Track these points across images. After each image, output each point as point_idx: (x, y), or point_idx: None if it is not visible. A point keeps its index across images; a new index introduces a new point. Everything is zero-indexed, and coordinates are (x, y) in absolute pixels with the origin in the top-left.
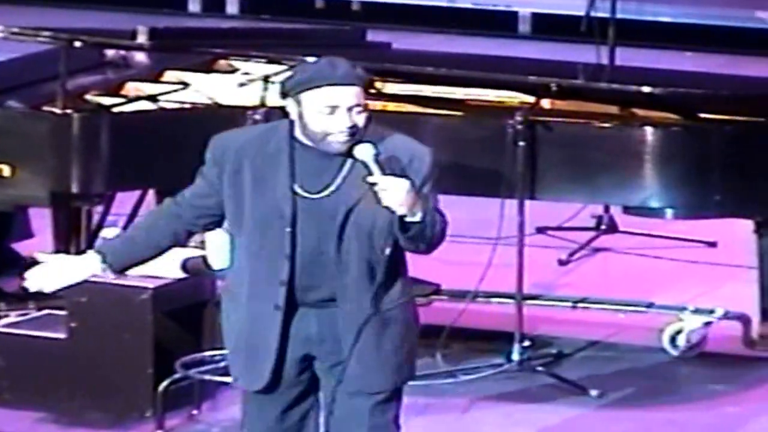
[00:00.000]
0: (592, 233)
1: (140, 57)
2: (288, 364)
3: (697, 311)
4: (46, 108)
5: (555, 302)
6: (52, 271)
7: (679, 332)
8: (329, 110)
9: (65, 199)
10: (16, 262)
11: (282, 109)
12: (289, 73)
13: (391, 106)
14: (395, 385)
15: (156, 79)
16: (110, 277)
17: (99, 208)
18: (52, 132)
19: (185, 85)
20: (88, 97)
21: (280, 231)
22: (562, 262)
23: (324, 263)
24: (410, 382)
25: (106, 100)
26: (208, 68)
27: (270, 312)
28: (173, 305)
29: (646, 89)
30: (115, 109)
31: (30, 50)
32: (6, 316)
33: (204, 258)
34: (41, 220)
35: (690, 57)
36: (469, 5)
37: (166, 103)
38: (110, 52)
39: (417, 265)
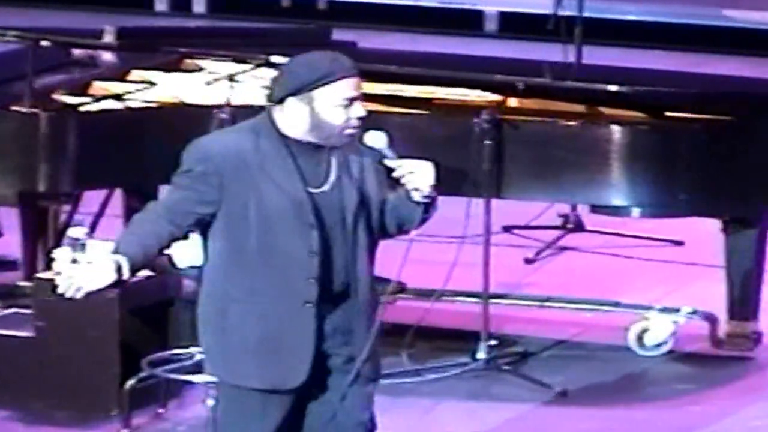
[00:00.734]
0: (558, 232)
1: (107, 56)
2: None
3: (663, 310)
4: (13, 107)
5: (521, 301)
6: (83, 275)
7: (645, 331)
8: (347, 102)
9: (32, 198)
10: None
11: (249, 107)
12: (281, 76)
13: None
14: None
15: (123, 79)
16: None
17: (66, 207)
18: (19, 131)
19: (152, 84)
20: (55, 96)
21: (301, 228)
22: (528, 261)
23: (337, 256)
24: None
25: (73, 100)
26: (174, 67)
27: (298, 309)
28: (139, 304)
29: (612, 88)
30: (82, 109)
31: None
32: None
33: (170, 257)
34: (9, 219)
35: (657, 55)
36: (435, 4)
37: (133, 102)
38: (77, 52)
39: (382, 264)
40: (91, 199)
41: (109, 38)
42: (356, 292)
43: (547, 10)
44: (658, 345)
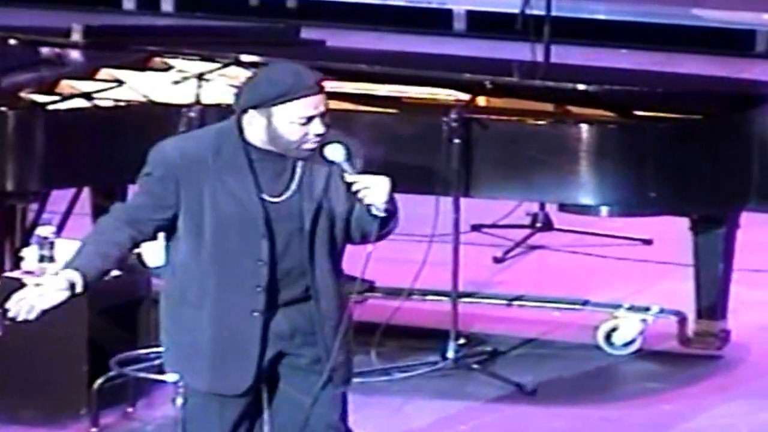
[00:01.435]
0: (527, 231)
1: (75, 54)
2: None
3: (632, 309)
4: None
5: (490, 300)
6: (34, 296)
7: (614, 330)
8: (305, 120)
9: (0, 197)
10: None
11: (218, 106)
12: (247, 85)
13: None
14: (352, 375)
15: (91, 77)
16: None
17: (34, 206)
18: None
19: (120, 82)
20: (22, 94)
21: (253, 237)
22: (497, 260)
23: (293, 264)
24: None
25: (41, 98)
26: (142, 66)
27: (246, 317)
28: (108, 303)
29: (581, 87)
30: (50, 107)
31: None
32: None
33: (139, 255)
34: None
35: (625, 54)
36: (403, 3)
37: (101, 100)
38: (45, 50)
39: (351, 263)
40: (59, 198)
41: (77, 37)
42: (317, 296)
43: (516, 9)
44: (627, 344)
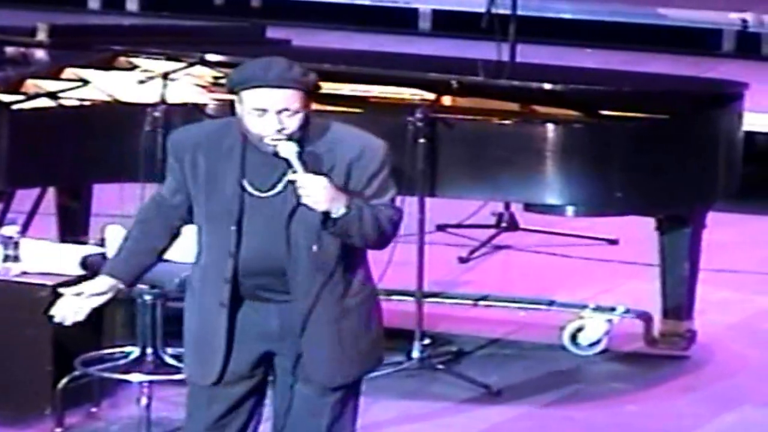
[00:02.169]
0: (492, 231)
1: (40, 54)
2: (242, 360)
3: (598, 309)
4: None
5: (455, 300)
6: (76, 302)
7: (580, 330)
8: (260, 112)
9: None
10: None
11: (183, 105)
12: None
13: None
14: (354, 377)
15: (56, 76)
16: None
17: None
18: None
19: (85, 82)
20: None
21: (226, 228)
22: (462, 260)
23: (274, 260)
24: None
25: (6, 97)
26: (108, 65)
27: (215, 308)
28: None
29: (547, 86)
30: (15, 107)
31: None
32: None
33: (104, 255)
34: None
35: (591, 54)
36: (369, 2)
37: (66, 100)
38: (10, 49)
39: None
40: (25, 197)
41: (42, 36)
42: (299, 296)
43: (481, 8)
44: (593, 344)
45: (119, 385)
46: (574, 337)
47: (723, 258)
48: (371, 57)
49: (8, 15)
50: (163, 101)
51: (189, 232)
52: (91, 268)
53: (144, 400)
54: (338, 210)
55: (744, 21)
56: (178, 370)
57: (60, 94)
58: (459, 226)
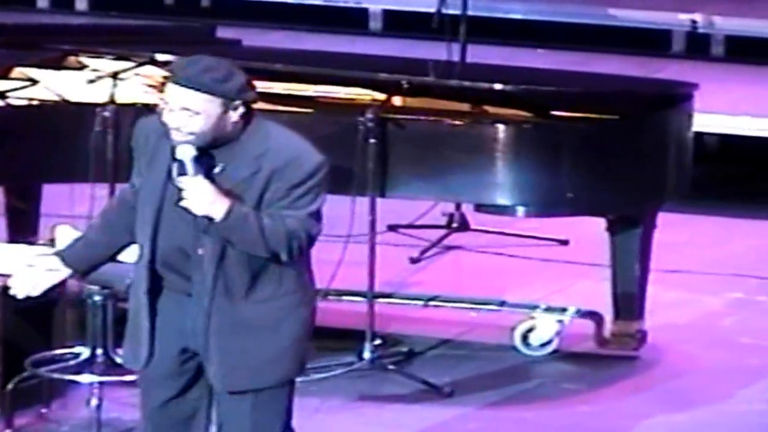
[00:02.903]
0: (443, 231)
1: None
2: (165, 351)
3: (549, 309)
4: None
5: (406, 300)
6: (32, 276)
7: (530, 330)
8: (165, 104)
9: None
10: None
11: (132, 105)
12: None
13: None
14: (263, 385)
15: (4, 76)
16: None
17: None
18: None
19: (34, 81)
20: None
21: (149, 214)
22: (413, 260)
23: (184, 255)
24: None
25: None
26: (57, 65)
27: (143, 296)
28: (23, 303)
29: (497, 86)
30: None
31: None
32: None
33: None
34: None
35: (542, 54)
36: (319, 2)
37: (15, 99)
38: None
39: None
40: None
41: None
42: (198, 294)
43: (432, 9)
44: (544, 344)
45: (69, 386)
46: (525, 338)
47: (673, 258)
48: (322, 57)
49: None
50: (112, 101)
51: None
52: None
53: (94, 401)
54: (217, 216)
55: (693, 22)
56: (128, 372)
57: (9, 94)
58: (410, 226)
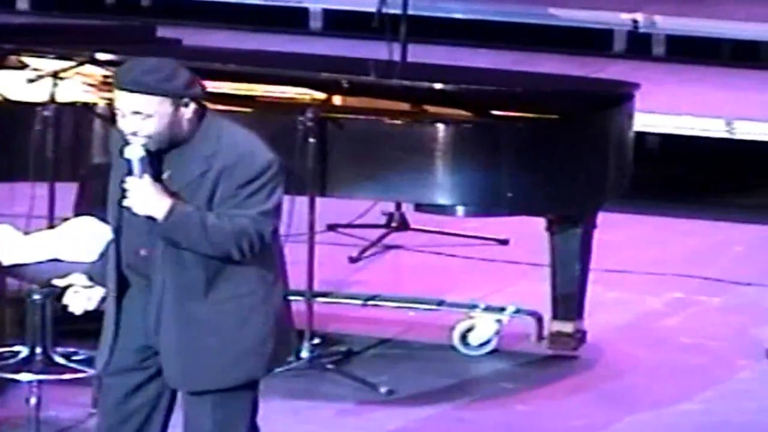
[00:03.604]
0: (383, 230)
1: None
2: (125, 349)
3: (488, 309)
4: None
5: (345, 300)
6: (85, 291)
7: (469, 330)
8: (117, 111)
9: None
10: None
11: (73, 105)
12: None
13: None
14: (222, 386)
15: None
16: None
17: None
18: None
19: None
20: None
21: (113, 218)
22: (352, 260)
23: (142, 256)
24: None
25: None
26: None
27: (111, 296)
28: None
29: (437, 86)
30: None
31: None
32: None
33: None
34: None
35: (483, 54)
36: (259, 1)
37: None
38: None
39: None
40: None
41: None
42: (154, 293)
43: (373, 8)
44: (483, 344)
45: (8, 384)
46: (464, 337)
47: (613, 258)
48: (262, 56)
49: None
50: (52, 100)
51: (81, 231)
52: None
53: (33, 400)
54: (159, 215)
55: (635, 21)
56: (67, 370)
57: None
58: (349, 225)
